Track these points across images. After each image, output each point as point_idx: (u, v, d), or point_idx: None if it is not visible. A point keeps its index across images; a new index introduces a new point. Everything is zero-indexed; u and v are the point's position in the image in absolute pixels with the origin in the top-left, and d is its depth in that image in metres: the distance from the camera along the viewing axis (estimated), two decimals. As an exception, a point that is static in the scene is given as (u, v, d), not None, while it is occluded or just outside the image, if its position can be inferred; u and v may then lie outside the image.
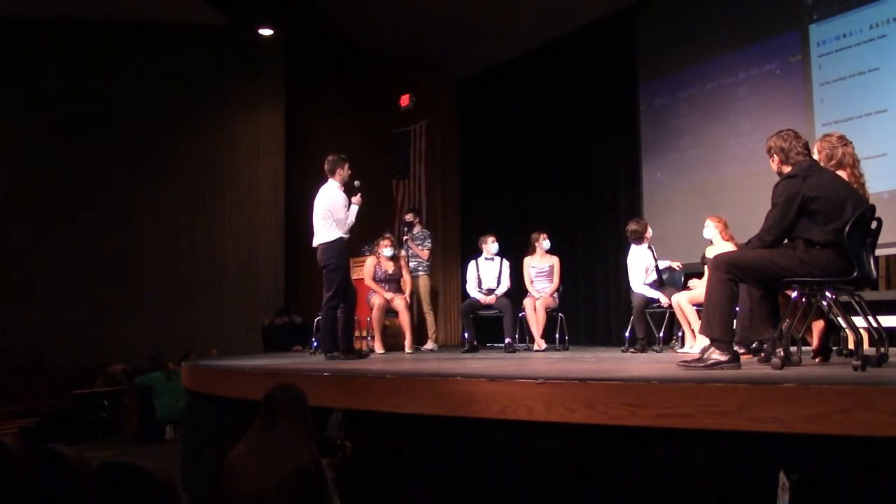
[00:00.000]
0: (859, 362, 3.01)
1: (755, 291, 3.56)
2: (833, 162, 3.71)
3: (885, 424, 2.21)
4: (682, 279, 6.39)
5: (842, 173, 3.64)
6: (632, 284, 6.16)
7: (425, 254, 7.85)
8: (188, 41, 11.35)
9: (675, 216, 7.97)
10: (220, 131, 11.61)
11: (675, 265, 6.36)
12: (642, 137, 8.67)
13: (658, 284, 6.12)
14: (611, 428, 2.72)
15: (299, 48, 11.57)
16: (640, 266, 6.11)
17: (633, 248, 6.21)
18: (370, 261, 7.07)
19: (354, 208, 5.56)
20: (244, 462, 2.61)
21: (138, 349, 10.13)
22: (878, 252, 4.48)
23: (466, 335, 6.89)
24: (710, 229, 5.65)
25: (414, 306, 7.75)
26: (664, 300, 5.93)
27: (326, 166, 5.61)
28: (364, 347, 6.84)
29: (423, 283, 7.79)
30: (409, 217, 8.24)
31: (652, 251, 6.20)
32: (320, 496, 2.58)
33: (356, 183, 5.72)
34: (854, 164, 3.77)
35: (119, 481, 2.19)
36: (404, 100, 11.67)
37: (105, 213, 11.09)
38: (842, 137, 3.87)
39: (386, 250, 6.98)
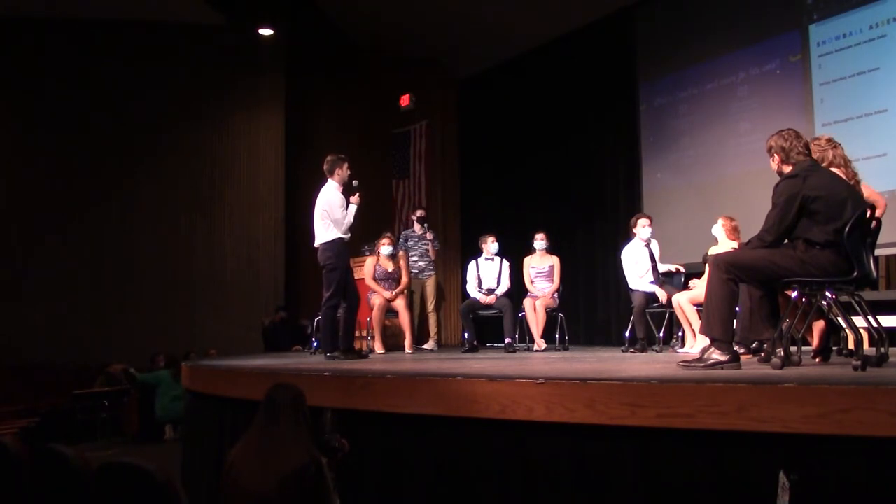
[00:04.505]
0: (859, 362, 3.00)
1: (755, 291, 3.56)
2: (824, 164, 3.72)
3: (885, 424, 2.21)
4: (683, 279, 6.38)
5: (836, 171, 3.64)
6: (629, 282, 6.17)
7: (434, 253, 7.85)
8: (188, 41, 11.35)
9: (675, 216, 7.98)
10: (220, 131, 11.61)
11: (674, 268, 6.31)
12: (642, 137, 8.67)
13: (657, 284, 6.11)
14: (611, 428, 2.71)
15: (299, 48, 11.56)
16: (633, 262, 6.13)
17: (629, 245, 6.22)
18: (370, 260, 7.07)
19: (353, 208, 5.53)
20: (244, 462, 2.61)
21: (138, 349, 10.13)
22: (878, 252, 4.49)
23: (466, 335, 6.89)
24: (718, 227, 5.65)
25: (416, 306, 7.73)
26: (661, 294, 5.93)
27: (325, 166, 5.59)
28: (364, 347, 6.84)
29: (433, 282, 7.78)
30: (420, 213, 8.14)
31: (650, 250, 6.19)
32: (320, 496, 2.58)
33: (354, 182, 5.71)
34: (846, 165, 3.79)
35: (119, 481, 2.19)
36: (404, 100, 11.68)
37: (105, 213, 11.10)
38: (830, 140, 3.89)
39: (384, 248, 6.97)
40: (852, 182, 3.66)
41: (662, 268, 6.21)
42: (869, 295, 4.76)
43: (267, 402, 2.74)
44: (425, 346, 7.43)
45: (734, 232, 5.59)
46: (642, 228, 6.18)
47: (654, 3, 8.62)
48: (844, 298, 3.52)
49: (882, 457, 2.23)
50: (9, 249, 10.79)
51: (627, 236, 6.42)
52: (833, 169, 3.67)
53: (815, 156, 3.73)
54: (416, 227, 7.93)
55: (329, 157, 5.63)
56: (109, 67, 11.18)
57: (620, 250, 6.36)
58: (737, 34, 7.67)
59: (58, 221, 10.96)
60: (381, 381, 3.54)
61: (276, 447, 2.59)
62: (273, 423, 2.67)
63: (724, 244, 5.47)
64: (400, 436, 3.42)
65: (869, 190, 3.91)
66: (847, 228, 3.19)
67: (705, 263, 5.28)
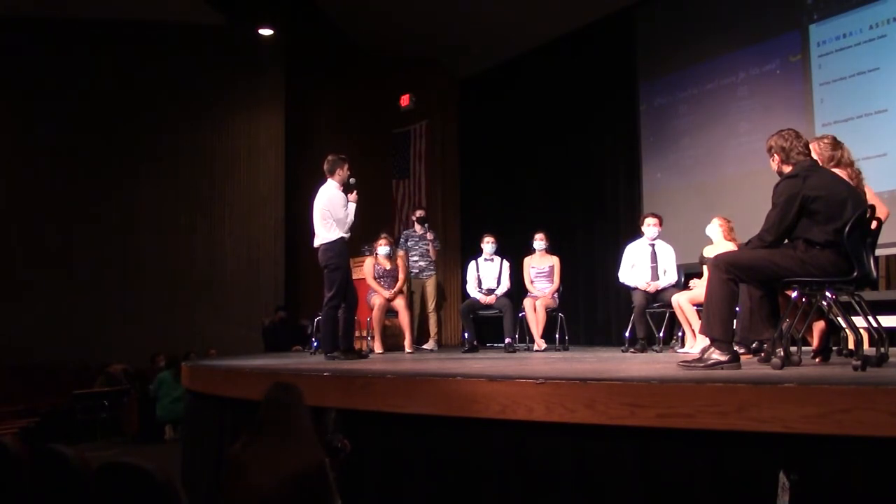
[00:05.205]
0: (859, 362, 3.00)
1: (755, 291, 3.55)
2: (832, 163, 3.72)
3: (885, 424, 2.21)
4: (683, 279, 6.38)
5: (841, 172, 3.64)
6: (619, 274, 6.19)
7: (435, 253, 7.85)
8: (188, 41, 11.36)
9: (675, 216, 7.96)
10: (220, 131, 11.62)
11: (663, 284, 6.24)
12: (642, 137, 8.67)
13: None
14: (611, 428, 2.71)
15: (299, 48, 11.57)
16: (631, 258, 6.14)
17: (634, 242, 6.23)
18: (369, 261, 7.08)
19: (352, 206, 5.56)
20: (244, 462, 2.60)
21: (138, 349, 10.14)
22: (878, 252, 4.48)
23: (466, 335, 6.89)
24: (714, 227, 5.66)
25: (416, 306, 7.72)
26: (642, 284, 5.94)
27: (326, 166, 5.61)
28: (364, 347, 6.84)
29: (433, 283, 7.77)
30: (420, 213, 8.11)
31: (653, 250, 6.18)
32: (322, 496, 2.57)
33: (351, 181, 5.72)
34: (851, 165, 3.79)
35: (119, 481, 2.19)
36: (404, 100, 11.68)
37: (105, 213, 11.11)
38: (835, 139, 3.88)
39: (381, 249, 6.98)
40: (855, 182, 3.65)
41: (668, 278, 6.13)
42: (869, 295, 4.75)
43: (267, 402, 2.73)
44: (425, 346, 7.42)
45: (731, 233, 5.60)
46: (647, 227, 6.19)
47: (654, 3, 8.61)
48: (844, 298, 3.52)
49: (882, 457, 2.23)
50: (9, 249, 10.79)
51: (627, 236, 6.42)
52: (838, 169, 3.67)
53: (821, 156, 3.73)
54: (417, 227, 7.90)
55: (330, 157, 5.65)
56: (109, 67, 11.19)
57: (622, 251, 6.36)
58: (737, 34, 7.67)
59: (58, 221, 10.97)
60: (381, 381, 3.54)
61: (277, 447, 2.59)
62: (273, 423, 2.67)
63: (721, 244, 5.48)
64: (400, 436, 3.42)
65: (871, 193, 3.91)
66: (847, 228, 3.19)
67: (702, 264, 5.29)
